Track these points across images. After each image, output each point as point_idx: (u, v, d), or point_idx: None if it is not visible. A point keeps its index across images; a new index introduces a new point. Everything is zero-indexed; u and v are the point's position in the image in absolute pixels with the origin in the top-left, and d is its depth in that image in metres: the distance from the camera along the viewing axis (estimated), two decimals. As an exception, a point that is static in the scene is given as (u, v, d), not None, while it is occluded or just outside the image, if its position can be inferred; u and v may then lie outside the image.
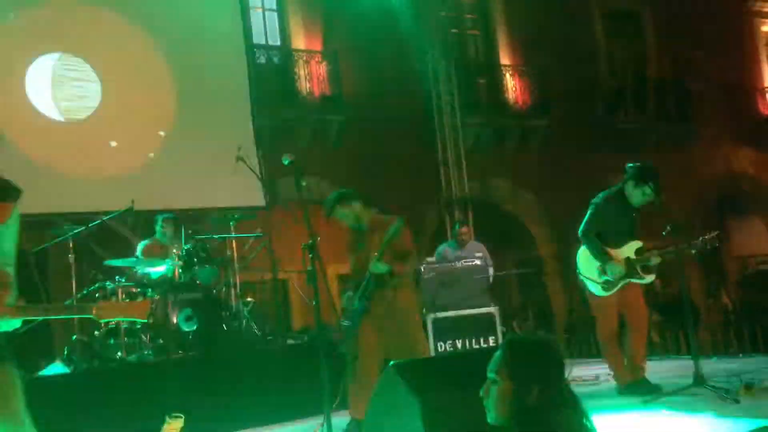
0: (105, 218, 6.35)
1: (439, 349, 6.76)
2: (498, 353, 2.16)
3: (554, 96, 13.51)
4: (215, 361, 5.75)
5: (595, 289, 5.26)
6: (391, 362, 4.03)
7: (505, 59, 13.98)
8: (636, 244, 5.24)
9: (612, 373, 5.40)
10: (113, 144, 7.39)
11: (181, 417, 4.53)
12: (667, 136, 14.43)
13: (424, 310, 6.81)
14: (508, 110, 13.58)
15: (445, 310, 6.91)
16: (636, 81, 15.21)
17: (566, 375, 2.16)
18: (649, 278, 5.24)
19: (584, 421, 2.08)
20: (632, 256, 5.21)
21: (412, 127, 12.02)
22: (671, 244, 5.08)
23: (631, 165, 5.27)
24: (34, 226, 6.43)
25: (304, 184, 4.33)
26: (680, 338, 9.39)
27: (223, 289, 6.86)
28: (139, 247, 6.66)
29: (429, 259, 7.59)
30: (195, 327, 6.06)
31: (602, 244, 5.25)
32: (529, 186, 13.78)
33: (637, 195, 5.18)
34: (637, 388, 5.06)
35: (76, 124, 7.30)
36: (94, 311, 2.76)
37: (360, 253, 4.79)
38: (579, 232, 5.33)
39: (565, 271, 12.84)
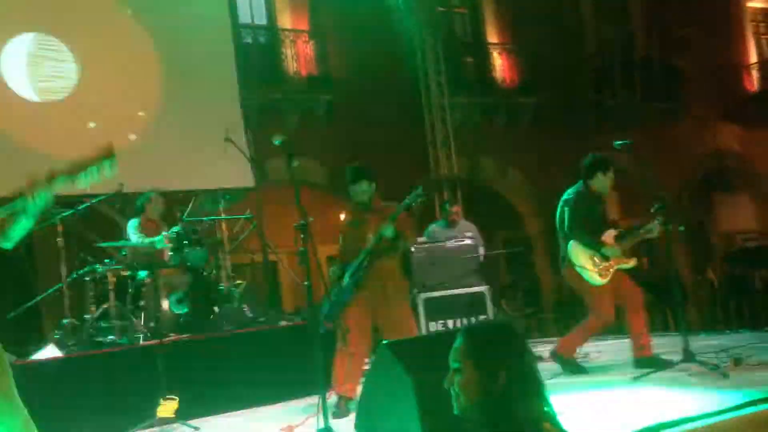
0: (94, 201, 6.30)
1: (431, 329, 6.81)
2: (458, 341, 2.07)
3: (542, 74, 13.48)
4: (207, 343, 5.75)
5: (592, 278, 5.35)
6: (385, 341, 4.06)
7: (492, 37, 13.93)
8: (613, 232, 5.37)
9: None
10: (91, 125, 7.27)
11: (175, 399, 4.55)
12: (654, 114, 14.46)
13: (414, 290, 6.84)
14: (495, 89, 13.55)
15: (436, 289, 6.94)
16: (623, 59, 15.20)
17: (531, 357, 2.09)
18: (633, 262, 5.42)
19: (545, 407, 2.03)
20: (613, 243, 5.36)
21: (399, 106, 11.96)
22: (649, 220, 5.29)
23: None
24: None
25: (295, 164, 4.31)
26: (668, 315, 9.50)
27: (214, 271, 6.85)
28: (131, 226, 6.49)
29: (419, 238, 7.59)
30: (186, 309, 6.07)
31: None
32: (517, 164, 13.79)
33: (606, 182, 5.47)
34: (652, 363, 5.15)
35: (52, 105, 7.18)
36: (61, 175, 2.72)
37: (356, 232, 4.92)
38: (565, 230, 5.49)
39: (553, 249, 12.90)
